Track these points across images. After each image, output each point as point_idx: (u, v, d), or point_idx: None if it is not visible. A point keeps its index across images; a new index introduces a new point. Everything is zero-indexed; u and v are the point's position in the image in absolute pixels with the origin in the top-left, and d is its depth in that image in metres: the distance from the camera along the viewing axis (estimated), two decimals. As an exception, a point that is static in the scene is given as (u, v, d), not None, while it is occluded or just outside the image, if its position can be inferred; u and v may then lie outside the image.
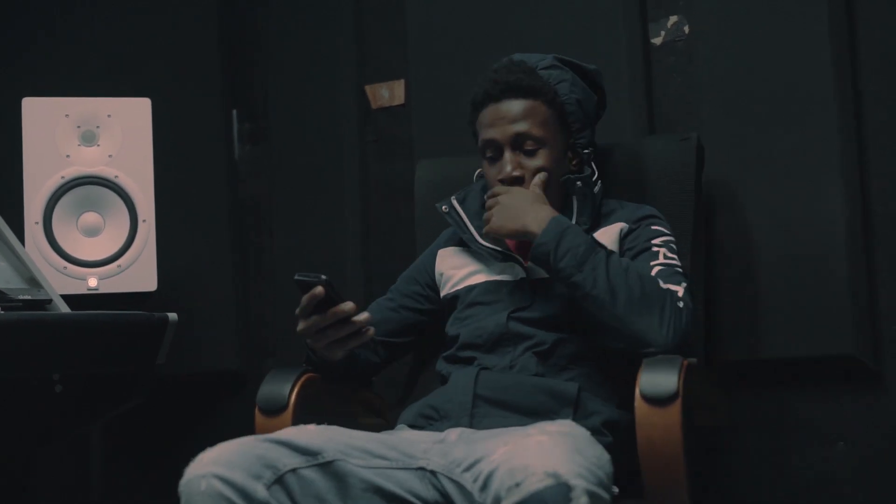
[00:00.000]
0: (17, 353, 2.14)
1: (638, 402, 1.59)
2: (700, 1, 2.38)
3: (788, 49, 2.26)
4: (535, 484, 1.38)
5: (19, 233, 2.47)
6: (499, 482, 1.43)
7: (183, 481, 1.53)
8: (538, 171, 1.93)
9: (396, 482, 1.62)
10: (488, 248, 1.98)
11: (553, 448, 1.44)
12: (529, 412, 1.76)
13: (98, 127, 2.64)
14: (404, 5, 2.79)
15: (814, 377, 2.26)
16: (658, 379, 1.60)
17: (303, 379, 1.87)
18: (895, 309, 2.19)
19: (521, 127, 1.93)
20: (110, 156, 2.64)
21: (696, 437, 1.90)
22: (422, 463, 1.65)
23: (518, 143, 1.94)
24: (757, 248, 2.26)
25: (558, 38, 2.50)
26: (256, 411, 1.84)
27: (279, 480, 1.55)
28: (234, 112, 3.14)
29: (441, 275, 2.07)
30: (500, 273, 1.97)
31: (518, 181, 1.93)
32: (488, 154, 1.97)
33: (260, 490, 1.52)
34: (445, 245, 2.10)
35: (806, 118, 2.23)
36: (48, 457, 2.90)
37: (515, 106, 1.94)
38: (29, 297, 2.27)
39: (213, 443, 1.60)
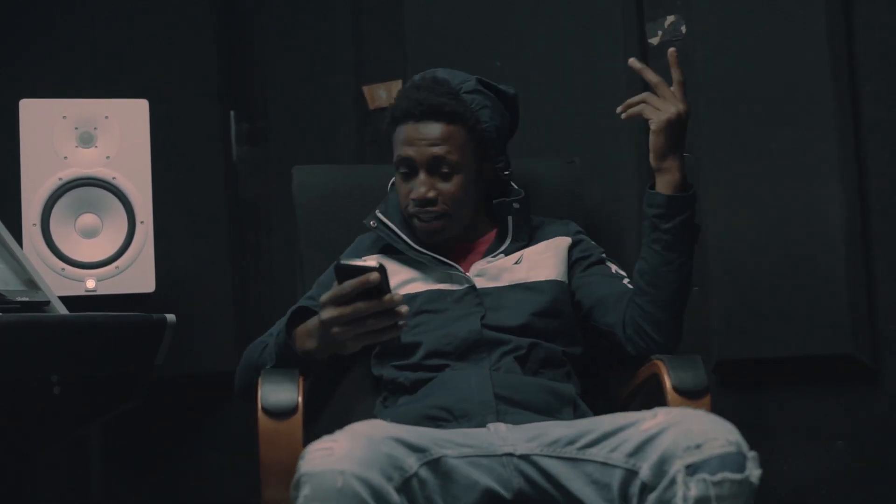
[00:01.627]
0: (16, 355, 2.14)
1: (672, 395, 1.72)
2: (697, 1, 2.38)
3: (786, 49, 2.26)
4: (717, 448, 1.46)
5: (17, 234, 2.47)
6: (671, 442, 1.48)
7: (312, 470, 1.45)
8: (451, 195, 1.97)
9: (486, 470, 1.60)
10: (429, 255, 2.00)
11: (723, 421, 1.53)
12: (538, 410, 1.80)
13: (96, 128, 2.63)
14: (402, 6, 2.79)
15: (812, 376, 2.26)
16: (690, 373, 1.75)
17: (300, 380, 1.81)
18: (893, 308, 2.19)
19: (439, 150, 1.96)
20: (108, 157, 2.63)
21: None
22: (507, 449, 1.63)
23: (434, 166, 1.97)
24: (754, 247, 2.27)
25: (556, 38, 2.51)
26: (261, 415, 1.71)
27: (405, 484, 1.50)
28: (232, 113, 3.14)
29: None
30: (440, 282, 2.00)
31: (431, 203, 1.97)
32: (402, 170, 2.01)
33: (392, 493, 1.46)
34: (366, 253, 2.09)
35: (803, 118, 2.23)
36: (47, 458, 2.90)
37: (435, 129, 1.96)
38: (27, 299, 2.27)
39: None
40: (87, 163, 2.62)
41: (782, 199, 2.25)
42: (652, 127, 1.85)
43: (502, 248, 2.03)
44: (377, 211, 2.08)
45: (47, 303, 2.30)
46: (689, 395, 1.72)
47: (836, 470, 2.24)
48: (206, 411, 3.10)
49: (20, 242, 2.47)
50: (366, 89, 2.92)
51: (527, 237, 2.04)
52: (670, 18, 2.46)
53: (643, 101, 1.86)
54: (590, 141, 2.47)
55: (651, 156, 1.86)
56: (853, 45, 2.23)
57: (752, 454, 1.48)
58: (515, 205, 2.02)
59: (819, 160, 2.21)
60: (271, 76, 3.06)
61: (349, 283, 1.64)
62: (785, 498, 2.29)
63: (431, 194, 1.97)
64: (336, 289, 1.67)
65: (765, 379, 2.31)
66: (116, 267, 2.61)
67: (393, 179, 2.12)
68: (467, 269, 2.01)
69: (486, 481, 1.60)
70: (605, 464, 1.57)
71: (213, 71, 3.07)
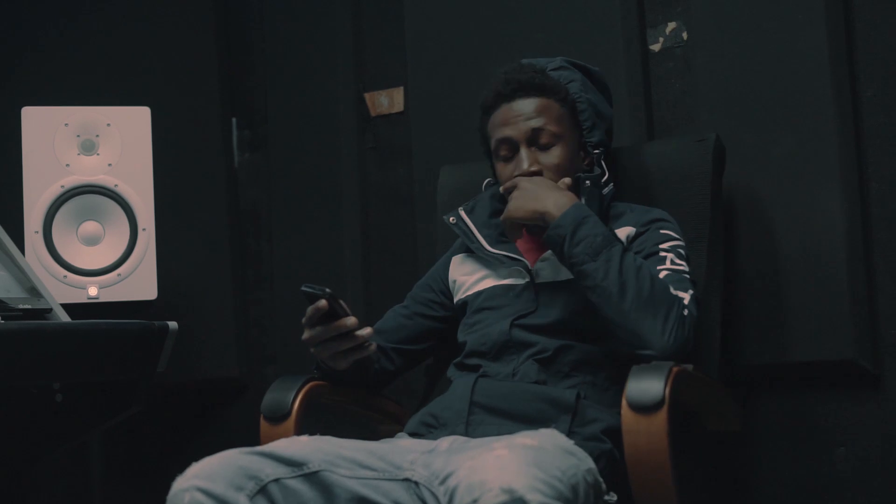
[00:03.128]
0: (18, 363, 2.14)
1: (624, 410, 1.58)
2: (698, 7, 2.38)
3: (786, 54, 2.26)
4: (490, 500, 1.38)
5: (19, 242, 2.47)
6: (459, 498, 1.43)
7: (169, 495, 1.56)
8: (555, 167, 1.93)
9: (383, 493, 1.62)
10: (496, 254, 1.98)
11: (510, 462, 1.43)
12: (527, 420, 1.75)
13: (97, 136, 2.64)
14: (403, 13, 2.79)
15: (814, 382, 2.26)
16: (644, 386, 1.58)
17: (307, 387, 1.87)
18: (895, 313, 2.19)
19: (536, 123, 1.94)
20: (110, 165, 2.64)
21: (691, 444, 1.89)
22: (407, 474, 1.64)
23: (534, 138, 1.94)
24: (755, 253, 2.26)
25: (557, 44, 2.50)
26: (261, 419, 1.85)
27: (262, 491, 1.55)
28: (234, 120, 3.14)
29: (454, 282, 2.07)
30: (506, 277, 1.97)
31: (536, 175, 1.93)
32: (503, 153, 1.98)
33: (242, 501, 1.53)
34: (458, 252, 2.11)
35: (804, 123, 2.23)
36: (49, 465, 2.90)
37: (529, 104, 1.95)
38: (29, 307, 2.27)
39: (214, 451, 1.61)
40: (89, 170, 2.63)
41: (783, 205, 2.25)
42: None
43: None
44: (460, 208, 2.08)
45: (49, 310, 2.30)
46: (640, 410, 1.56)
47: (837, 476, 2.24)
48: (208, 418, 3.11)
49: (22, 250, 2.47)
50: (367, 96, 2.92)
51: None
52: (671, 25, 2.47)
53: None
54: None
55: None
56: (854, 50, 2.24)
57: (534, 498, 1.38)
58: (587, 182, 1.94)
59: (819, 165, 2.21)
60: (272, 83, 3.07)
61: (308, 309, 1.75)
62: (787, 503, 2.29)
63: (535, 167, 1.93)
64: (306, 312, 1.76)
65: (766, 384, 2.31)
66: (118, 274, 2.61)
67: (487, 180, 2.11)
68: (537, 260, 1.96)
69: (378, 500, 1.61)
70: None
71: (214, 78, 3.08)
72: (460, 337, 1.99)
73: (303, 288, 1.72)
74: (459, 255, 2.09)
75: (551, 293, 1.90)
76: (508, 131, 1.95)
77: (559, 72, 2.00)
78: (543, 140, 1.94)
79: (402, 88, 2.85)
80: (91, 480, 2.75)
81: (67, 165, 2.61)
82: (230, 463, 1.56)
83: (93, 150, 2.64)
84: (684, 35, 2.45)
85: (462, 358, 1.95)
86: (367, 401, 2.08)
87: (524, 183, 1.88)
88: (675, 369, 1.62)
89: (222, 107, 3.09)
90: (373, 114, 2.91)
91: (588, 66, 2.07)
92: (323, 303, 1.71)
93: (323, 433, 1.74)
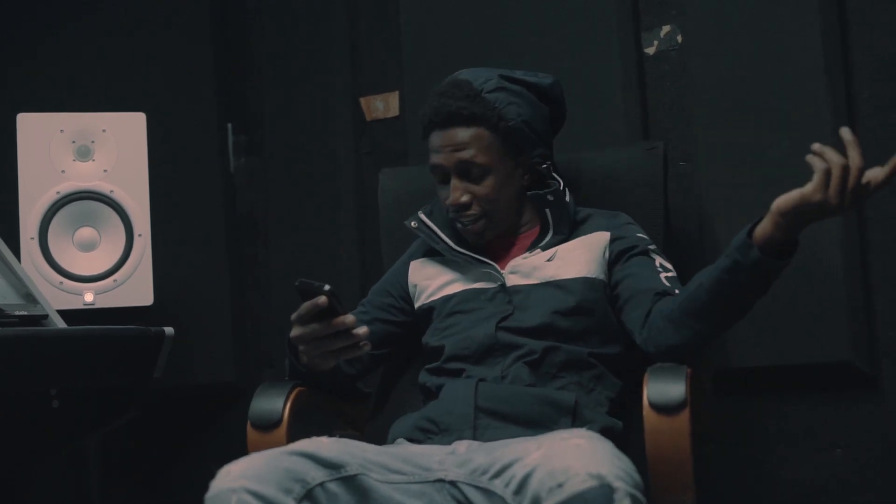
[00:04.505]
0: (14, 369, 2.14)
1: (647, 411, 1.59)
2: (693, 10, 2.38)
3: (781, 57, 2.26)
4: (578, 485, 1.39)
5: (15, 248, 2.47)
6: (538, 483, 1.43)
7: (210, 495, 1.51)
8: (485, 197, 1.95)
9: (415, 496, 1.61)
10: (465, 254, 1.99)
11: (594, 450, 1.44)
12: (529, 423, 1.75)
13: (93, 142, 2.64)
14: (399, 17, 2.79)
15: (811, 384, 2.26)
16: (667, 388, 1.60)
17: (294, 392, 1.85)
18: (892, 315, 2.19)
19: (465, 155, 1.94)
20: (105, 170, 2.64)
21: (698, 446, 1.90)
22: (440, 475, 1.63)
23: (463, 170, 1.95)
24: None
25: (552, 48, 2.51)
26: (249, 427, 1.81)
27: (308, 495, 1.53)
28: (229, 125, 3.14)
29: (415, 286, 2.06)
30: (476, 280, 1.97)
31: (466, 207, 1.95)
32: (437, 178, 2.00)
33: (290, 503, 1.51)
34: (415, 257, 2.10)
35: (799, 125, 2.23)
36: (46, 471, 2.89)
37: (458, 134, 1.95)
38: (25, 313, 2.27)
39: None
40: (85, 176, 2.63)
41: (779, 207, 2.24)
42: (810, 189, 1.61)
43: (542, 243, 1.98)
44: (420, 212, 2.08)
45: (45, 316, 2.30)
46: (664, 411, 1.59)
47: (835, 477, 2.24)
48: (204, 423, 3.10)
49: (18, 256, 2.47)
50: (362, 100, 2.92)
51: (567, 231, 1.98)
52: (666, 28, 2.47)
53: (828, 165, 1.59)
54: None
55: (785, 201, 1.64)
56: (849, 52, 2.24)
57: (620, 486, 1.39)
58: (549, 197, 1.97)
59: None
60: (268, 88, 3.07)
61: (304, 305, 1.69)
62: (785, 506, 2.29)
63: (465, 199, 1.95)
64: (298, 309, 1.71)
65: (764, 387, 2.31)
66: (114, 280, 2.61)
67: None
68: (507, 266, 1.97)
69: (411, 503, 1.60)
70: (503, 498, 1.53)
71: (210, 83, 3.08)
72: (433, 341, 1.97)
73: (298, 282, 1.69)
74: (418, 260, 2.09)
75: (524, 296, 1.91)
76: (439, 159, 1.97)
77: (495, 94, 1.96)
78: (474, 172, 1.95)
79: (397, 93, 2.86)
80: (88, 486, 2.74)
81: (63, 171, 2.61)
82: (276, 465, 1.54)
83: (88, 156, 2.64)
84: (679, 38, 2.45)
85: (441, 363, 1.93)
86: (334, 406, 2.06)
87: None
88: (689, 370, 1.63)
89: (218, 112, 3.09)
90: (368, 118, 2.91)
91: (529, 79, 2.02)
92: (323, 299, 1.67)
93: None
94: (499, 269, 1.96)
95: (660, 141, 2.21)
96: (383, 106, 2.89)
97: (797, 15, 2.24)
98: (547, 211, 1.98)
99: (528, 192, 1.99)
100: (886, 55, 2.21)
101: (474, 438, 1.76)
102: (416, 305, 2.05)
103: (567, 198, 2.00)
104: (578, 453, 1.44)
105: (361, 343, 1.73)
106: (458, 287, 1.99)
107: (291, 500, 1.51)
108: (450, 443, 1.75)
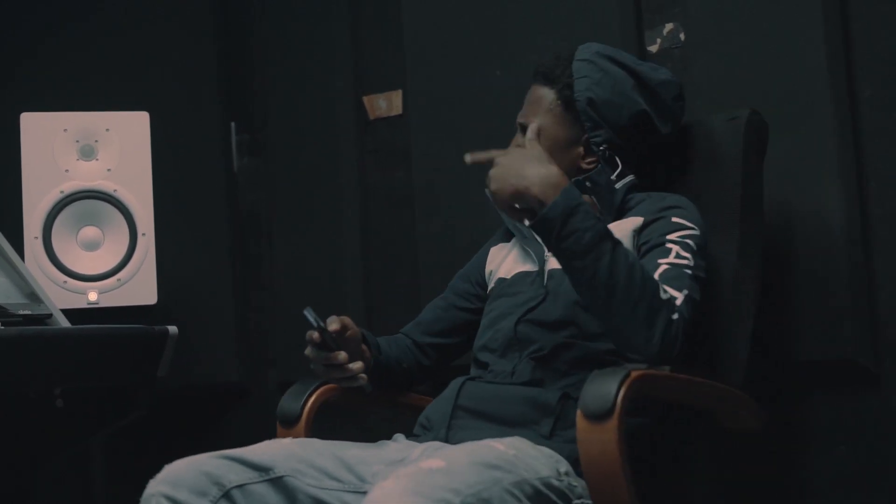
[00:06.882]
0: (18, 368, 2.14)
1: (578, 416, 1.52)
2: (696, 8, 2.38)
3: (784, 55, 2.26)
4: None
5: (19, 248, 2.48)
6: None
7: (143, 497, 1.59)
8: None
9: None
10: (521, 228, 1.93)
11: (391, 496, 1.39)
12: (508, 422, 1.73)
13: (97, 141, 2.64)
14: (401, 16, 2.79)
15: (814, 381, 2.26)
16: (596, 393, 1.51)
17: (318, 391, 1.93)
18: (895, 313, 2.19)
19: (530, 111, 1.96)
20: (109, 170, 2.64)
21: (657, 450, 1.84)
22: (367, 488, 1.64)
23: (524, 126, 1.95)
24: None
25: (555, 47, 2.50)
26: (277, 422, 1.94)
27: (225, 496, 1.59)
28: (233, 124, 3.15)
29: (490, 272, 2.05)
30: (525, 263, 1.95)
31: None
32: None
33: None
34: (497, 242, 2.10)
35: (802, 124, 2.23)
36: (50, 471, 2.90)
37: (536, 91, 1.97)
38: (29, 312, 2.27)
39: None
40: (89, 175, 2.63)
41: (782, 205, 2.24)
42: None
43: None
44: None
45: (49, 316, 2.30)
46: (591, 418, 1.49)
47: (838, 475, 2.24)
48: (209, 422, 3.10)
49: (22, 255, 2.48)
50: (366, 99, 2.92)
51: (610, 217, 1.89)
52: (669, 26, 2.47)
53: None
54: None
55: None
56: (851, 50, 2.23)
57: None
58: (588, 183, 1.90)
59: (818, 165, 2.21)
60: (271, 87, 3.07)
61: (306, 333, 1.82)
62: (786, 503, 2.28)
63: None
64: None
65: (766, 384, 2.31)
66: (118, 279, 2.61)
67: None
68: None
69: None
70: None
71: (213, 82, 3.08)
72: (481, 328, 1.97)
73: (304, 311, 1.78)
74: (498, 245, 2.08)
75: (557, 282, 1.85)
76: (519, 115, 1.99)
77: (580, 63, 1.94)
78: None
79: (400, 91, 2.86)
80: (92, 486, 2.75)
81: (67, 171, 2.61)
82: (196, 468, 1.60)
83: (92, 156, 2.64)
84: (682, 36, 2.45)
85: (477, 351, 1.93)
86: (393, 399, 2.09)
87: (501, 158, 1.74)
88: (634, 374, 1.54)
89: (221, 111, 3.10)
90: (371, 117, 2.91)
91: (628, 62, 1.96)
92: (315, 334, 1.79)
93: (329, 434, 1.77)
94: (546, 250, 1.90)
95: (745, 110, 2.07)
96: (386, 104, 2.89)
97: (800, 13, 2.24)
98: (592, 197, 1.91)
99: (572, 179, 1.84)
100: (889, 54, 2.20)
101: (446, 439, 1.76)
102: (489, 290, 2.03)
103: (619, 185, 1.92)
104: (380, 498, 1.39)
105: (359, 375, 1.83)
106: (511, 270, 1.97)
107: (207, 501, 1.57)
108: (430, 441, 1.76)
